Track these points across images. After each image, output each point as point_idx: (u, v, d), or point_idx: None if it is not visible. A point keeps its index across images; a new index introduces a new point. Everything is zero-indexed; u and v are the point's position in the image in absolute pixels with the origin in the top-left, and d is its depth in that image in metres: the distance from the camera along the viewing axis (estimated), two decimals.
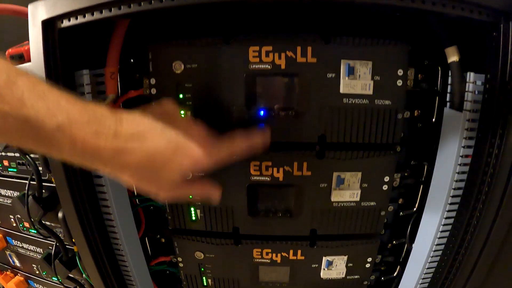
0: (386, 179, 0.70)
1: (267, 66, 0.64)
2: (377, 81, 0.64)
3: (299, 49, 0.63)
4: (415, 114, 0.71)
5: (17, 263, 0.96)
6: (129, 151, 0.41)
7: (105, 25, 0.64)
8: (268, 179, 0.68)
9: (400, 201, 0.77)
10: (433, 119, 0.71)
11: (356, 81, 0.64)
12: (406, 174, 0.73)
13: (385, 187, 0.70)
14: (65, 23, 0.60)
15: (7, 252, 0.98)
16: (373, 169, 0.69)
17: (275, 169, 0.68)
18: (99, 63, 0.66)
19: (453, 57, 0.65)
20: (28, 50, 0.66)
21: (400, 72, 0.65)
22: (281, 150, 0.67)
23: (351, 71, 0.64)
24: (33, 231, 0.86)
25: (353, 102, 0.65)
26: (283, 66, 0.63)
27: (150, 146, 0.42)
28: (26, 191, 0.74)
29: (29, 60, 0.67)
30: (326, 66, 0.64)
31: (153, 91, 0.66)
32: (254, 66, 0.63)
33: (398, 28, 0.67)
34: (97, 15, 0.58)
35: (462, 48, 0.64)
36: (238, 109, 0.65)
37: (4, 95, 0.36)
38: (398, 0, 0.54)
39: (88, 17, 0.58)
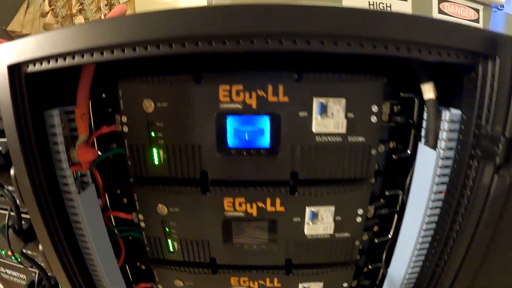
0: (360, 211, 0.63)
1: (238, 105, 0.56)
2: (351, 119, 0.57)
3: (270, 88, 0.55)
4: (391, 146, 0.64)
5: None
6: None
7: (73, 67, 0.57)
8: (243, 214, 0.62)
9: (375, 228, 0.69)
10: (409, 151, 0.63)
11: (329, 119, 0.56)
12: (380, 204, 0.66)
13: (359, 219, 0.63)
14: (31, 68, 0.53)
15: None
16: (347, 203, 0.62)
17: (248, 205, 0.60)
18: (71, 99, 0.58)
19: (429, 94, 0.56)
20: None
21: (374, 108, 0.57)
22: (254, 187, 0.60)
23: (323, 109, 0.56)
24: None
25: (326, 140, 0.57)
26: (254, 106, 0.56)
27: None
28: (6, 223, 0.69)
29: None
30: (298, 104, 0.56)
31: (125, 128, 0.58)
32: (224, 105, 0.56)
33: (373, 61, 0.58)
34: (61, 62, 0.50)
35: (439, 83, 0.56)
36: (209, 148, 0.58)
37: None
38: (372, 48, 0.45)
39: (53, 64, 0.51)
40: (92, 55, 0.47)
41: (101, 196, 0.67)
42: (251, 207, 0.61)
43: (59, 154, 0.57)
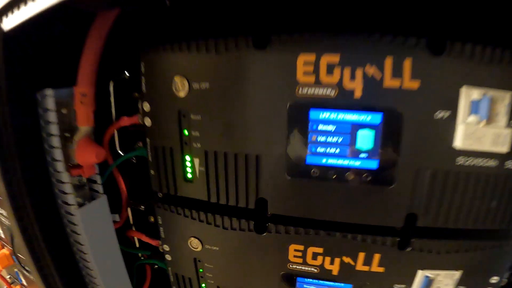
0: (494, 280, 0.30)
1: (329, 91, 0.25)
2: None
3: (388, 63, 0.24)
4: None
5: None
6: None
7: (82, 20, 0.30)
8: (315, 270, 0.31)
9: None
10: None
11: (486, 128, 0.25)
12: None
13: None
14: (8, 24, 0.27)
15: None
16: (479, 266, 0.30)
17: (327, 259, 0.30)
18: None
19: None
20: None
21: None
22: (341, 233, 0.29)
23: (477, 109, 0.25)
24: None
25: (473, 164, 0.26)
26: (357, 94, 0.25)
27: None
28: None
29: None
30: (435, 97, 0.25)
31: (147, 121, 0.31)
32: (305, 90, 0.26)
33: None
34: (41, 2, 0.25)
35: None
36: (273, 163, 0.28)
37: None
38: None
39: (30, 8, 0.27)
40: None
41: (122, 211, 0.42)
42: (332, 262, 0.30)
43: (53, 151, 0.31)
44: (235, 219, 0.31)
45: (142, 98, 0.31)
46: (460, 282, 0.31)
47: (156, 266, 0.43)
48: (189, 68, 0.28)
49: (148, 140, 0.32)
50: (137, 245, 0.43)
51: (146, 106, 0.31)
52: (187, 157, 0.31)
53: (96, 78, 0.32)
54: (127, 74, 0.36)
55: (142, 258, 0.43)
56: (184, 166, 0.31)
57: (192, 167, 0.31)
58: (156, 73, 0.30)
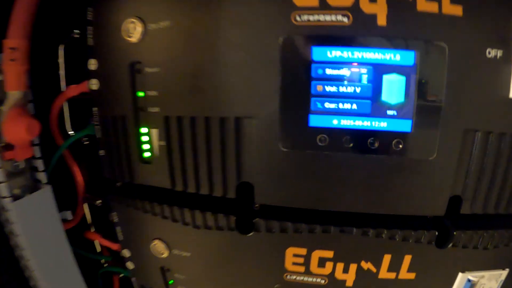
0: None
1: (340, 17, 0.17)
2: None
3: None
4: None
5: None
6: None
7: None
8: (323, 281, 0.22)
9: None
10: None
11: None
12: None
13: None
14: None
15: None
16: None
17: (339, 266, 0.21)
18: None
19: None
20: None
21: None
22: (361, 229, 0.20)
23: None
24: None
25: None
26: (381, 21, 0.17)
27: None
28: None
29: None
30: (483, 31, 0.17)
31: (94, 84, 0.23)
32: (304, 17, 0.18)
33: None
34: None
35: None
36: (260, 130, 0.19)
37: None
38: None
39: None
40: None
41: (78, 206, 0.33)
42: (346, 270, 0.21)
43: None
44: (210, 214, 0.22)
45: (88, 55, 0.22)
46: (505, 283, 0.23)
47: (121, 275, 0.34)
48: (145, 5, 0.20)
49: (95, 109, 0.23)
50: (98, 249, 0.33)
51: (93, 64, 0.22)
52: (143, 129, 0.22)
53: (31, 30, 0.23)
54: (78, 31, 0.27)
55: (106, 265, 0.34)
56: (140, 142, 0.22)
57: (150, 142, 0.22)
58: (105, 18, 0.21)
